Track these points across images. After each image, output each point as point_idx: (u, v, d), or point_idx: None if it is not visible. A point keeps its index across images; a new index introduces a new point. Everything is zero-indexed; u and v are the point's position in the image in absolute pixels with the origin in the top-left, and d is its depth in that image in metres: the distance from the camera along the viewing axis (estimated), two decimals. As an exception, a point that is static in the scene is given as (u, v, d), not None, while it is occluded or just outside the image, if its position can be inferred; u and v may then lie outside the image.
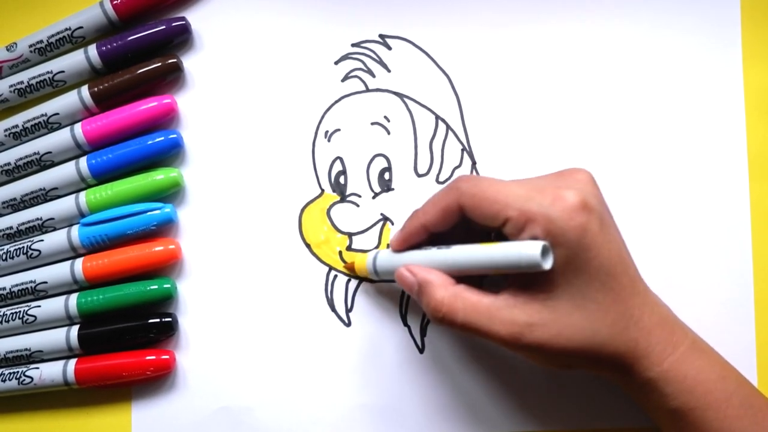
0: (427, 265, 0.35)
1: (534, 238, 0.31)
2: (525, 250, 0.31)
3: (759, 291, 0.40)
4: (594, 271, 0.32)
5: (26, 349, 0.41)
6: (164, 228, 0.41)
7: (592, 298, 0.32)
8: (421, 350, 0.40)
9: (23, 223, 0.41)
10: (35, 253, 0.41)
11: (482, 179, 0.34)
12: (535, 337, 0.32)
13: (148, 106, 0.40)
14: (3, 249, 0.42)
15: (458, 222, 0.35)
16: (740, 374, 0.34)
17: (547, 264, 0.31)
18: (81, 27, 0.41)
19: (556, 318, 0.32)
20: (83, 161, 0.41)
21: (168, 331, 0.40)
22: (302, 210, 0.41)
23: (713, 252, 0.39)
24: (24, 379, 0.40)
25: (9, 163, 0.42)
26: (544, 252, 0.31)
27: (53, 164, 0.42)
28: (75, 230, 0.41)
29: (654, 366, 0.33)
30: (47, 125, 0.41)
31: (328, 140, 0.41)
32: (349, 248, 0.41)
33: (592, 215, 0.31)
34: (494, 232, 0.35)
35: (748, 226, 0.40)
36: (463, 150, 0.41)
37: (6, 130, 0.42)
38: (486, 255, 0.33)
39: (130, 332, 0.40)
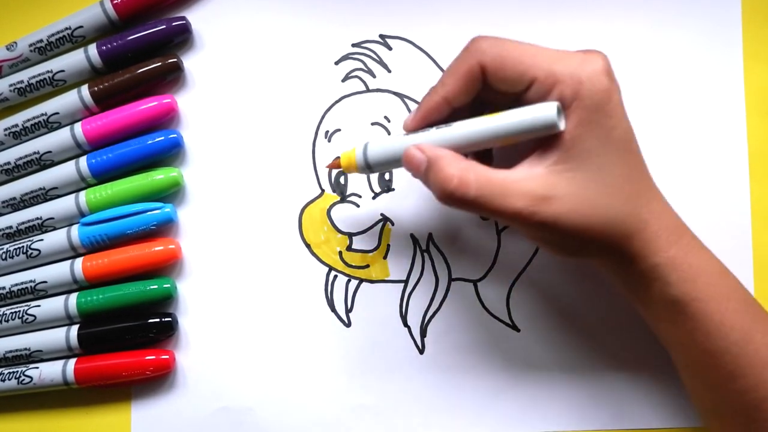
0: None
1: (561, 99, 0.30)
2: (539, 112, 0.30)
3: (759, 291, 0.40)
4: (614, 141, 0.31)
5: (26, 349, 0.41)
6: (164, 228, 0.41)
7: (610, 171, 0.31)
8: (421, 351, 0.40)
9: (23, 223, 0.41)
10: (35, 253, 0.41)
11: (505, 39, 0.32)
12: (552, 211, 0.30)
13: (148, 105, 0.40)
14: (3, 248, 0.41)
15: (479, 92, 0.33)
16: (737, 277, 0.34)
17: (561, 125, 0.30)
18: (81, 26, 0.41)
19: (574, 191, 0.31)
20: (83, 161, 0.41)
21: (168, 330, 0.40)
22: (302, 210, 0.41)
23: (714, 251, 0.39)
24: (23, 379, 0.40)
25: (9, 163, 0.42)
26: (559, 112, 0.30)
27: (53, 164, 0.41)
28: (75, 230, 0.41)
29: (660, 251, 0.32)
30: (47, 125, 0.41)
31: (329, 140, 0.41)
32: (349, 248, 0.41)
33: (615, 84, 0.31)
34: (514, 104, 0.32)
35: (749, 226, 0.40)
36: (463, 150, 0.41)
37: (6, 130, 0.42)
38: (495, 123, 0.31)
39: (130, 332, 0.40)
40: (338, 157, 0.37)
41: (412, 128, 0.34)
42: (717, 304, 0.32)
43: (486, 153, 0.35)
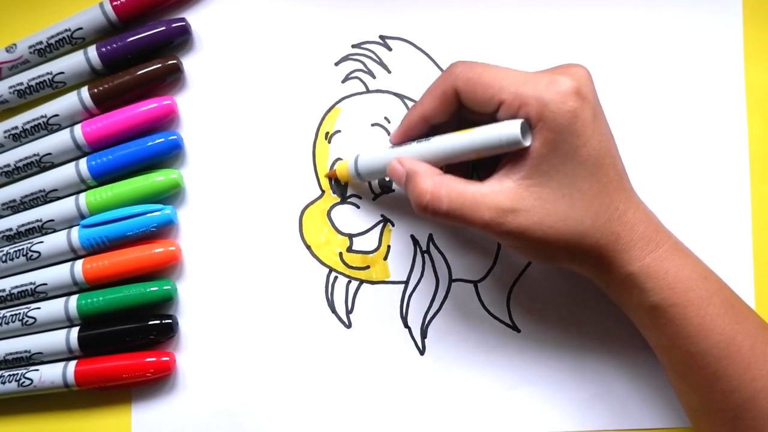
0: (411, 157, 0.35)
1: (527, 120, 0.32)
2: (504, 129, 0.32)
3: (759, 292, 0.40)
4: (582, 159, 0.32)
5: (26, 351, 0.41)
6: (164, 229, 0.41)
7: (578, 187, 0.32)
8: (422, 352, 0.40)
9: (23, 225, 0.41)
10: (35, 255, 0.41)
11: (478, 64, 0.34)
12: (518, 223, 0.32)
13: (148, 107, 0.40)
14: (3, 251, 0.41)
15: (455, 111, 0.35)
16: (721, 279, 0.34)
17: (527, 141, 0.32)
18: (81, 28, 0.41)
19: (540, 205, 0.32)
20: (83, 163, 0.41)
21: (168, 332, 0.40)
22: (303, 211, 0.41)
23: (714, 252, 0.39)
24: (24, 381, 0.40)
25: (9, 165, 0.41)
26: (524, 129, 0.32)
27: (53, 166, 0.41)
28: (75, 232, 0.40)
29: (635, 261, 0.33)
30: (47, 126, 0.41)
31: (329, 141, 0.41)
32: (349, 250, 0.41)
33: (586, 103, 0.32)
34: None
35: (749, 227, 0.40)
36: (463, 151, 0.41)
37: (6, 132, 0.42)
38: (466, 138, 0.33)
39: (130, 334, 0.40)
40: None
41: (396, 142, 0.37)
42: (696, 309, 0.33)
43: (465, 164, 0.37)
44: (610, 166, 0.33)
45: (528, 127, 0.32)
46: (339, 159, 0.41)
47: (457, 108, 0.35)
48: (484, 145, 0.33)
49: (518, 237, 0.33)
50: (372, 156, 0.38)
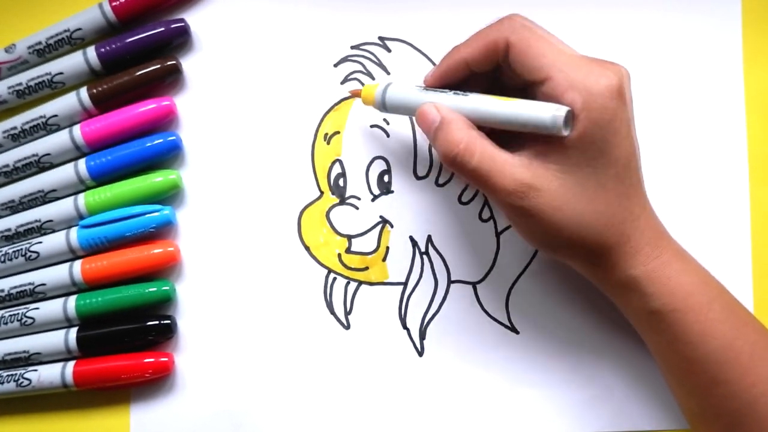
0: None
1: (570, 106, 0.31)
2: (548, 113, 0.31)
3: (758, 293, 0.40)
4: (614, 158, 0.32)
5: (24, 352, 0.41)
6: (163, 230, 0.41)
7: (603, 184, 0.32)
8: (420, 353, 0.40)
9: (22, 225, 0.41)
10: (34, 255, 0.41)
11: (536, 26, 0.33)
12: (538, 202, 0.32)
13: (147, 108, 0.40)
14: (2, 251, 0.41)
15: (499, 64, 0.34)
16: (722, 284, 0.34)
17: (567, 131, 0.31)
18: (80, 28, 0.41)
19: (563, 192, 0.32)
20: (82, 163, 0.41)
21: (167, 333, 0.40)
22: (301, 212, 0.41)
23: (712, 253, 0.39)
24: (22, 382, 0.40)
25: (7, 165, 0.41)
26: (567, 118, 0.31)
27: (52, 166, 0.41)
28: (74, 232, 0.40)
29: (639, 265, 0.33)
30: (46, 127, 0.41)
31: (328, 143, 0.41)
32: (348, 251, 0.41)
33: (626, 105, 0.32)
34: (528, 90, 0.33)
35: (748, 228, 0.40)
36: (462, 152, 0.41)
37: (5, 132, 0.42)
38: (506, 108, 0.32)
39: (129, 334, 0.40)
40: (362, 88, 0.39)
41: (431, 84, 0.36)
42: (697, 315, 0.33)
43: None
44: (634, 170, 0.33)
45: (570, 117, 0.31)
46: (339, 159, 0.41)
47: (502, 61, 0.34)
48: (523, 121, 0.32)
49: (533, 216, 0.32)
50: (403, 91, 0.36)
